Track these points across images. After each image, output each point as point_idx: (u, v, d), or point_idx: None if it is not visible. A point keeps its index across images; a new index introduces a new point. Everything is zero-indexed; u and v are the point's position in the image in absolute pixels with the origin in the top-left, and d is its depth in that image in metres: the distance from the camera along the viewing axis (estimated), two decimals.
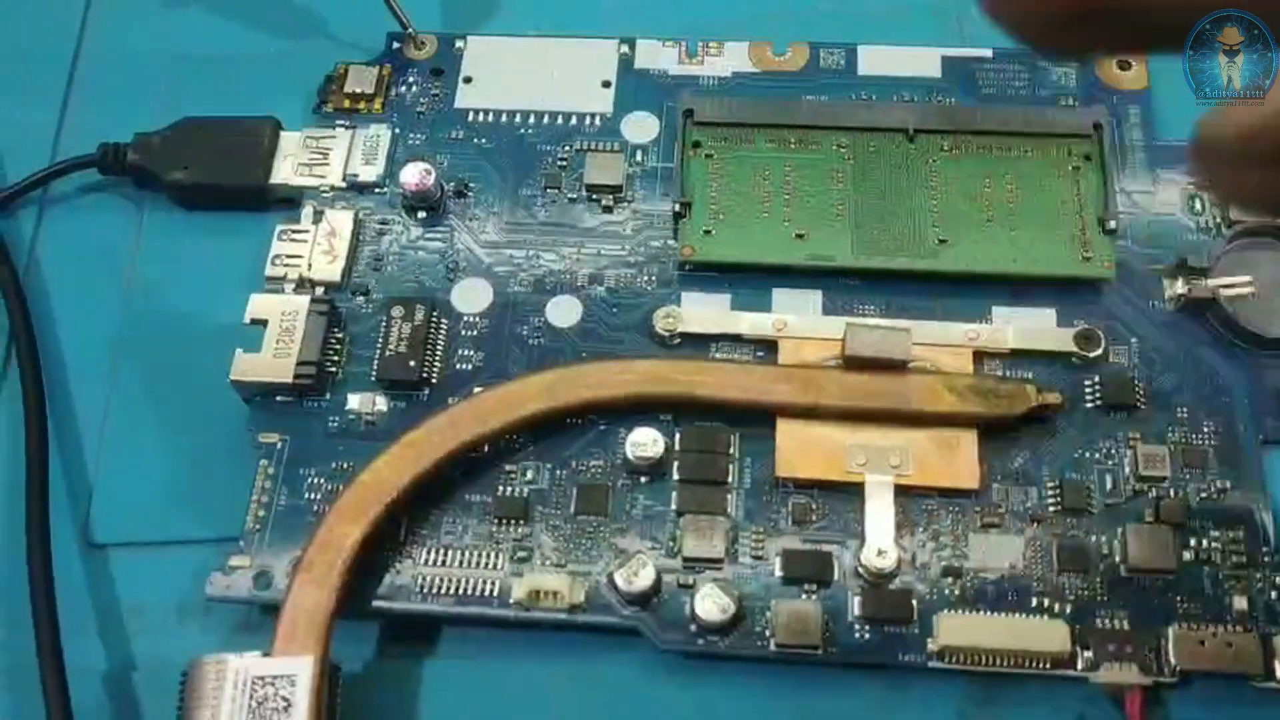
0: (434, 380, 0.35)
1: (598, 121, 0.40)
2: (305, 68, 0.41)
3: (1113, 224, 0.36)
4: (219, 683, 0.29)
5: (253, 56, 0.42)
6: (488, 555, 0.33)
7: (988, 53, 0.40)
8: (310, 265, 0.37)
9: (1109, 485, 0.33)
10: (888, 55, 0.40)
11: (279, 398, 0.35)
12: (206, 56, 0.42)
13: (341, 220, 0.38)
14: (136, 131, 0.39)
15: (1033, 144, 0.37)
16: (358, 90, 0.40)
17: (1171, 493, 0.33)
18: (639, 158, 0.39)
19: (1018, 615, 0.31)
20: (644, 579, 0.31)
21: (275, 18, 0.43)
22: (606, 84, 0.40)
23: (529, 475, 0.34)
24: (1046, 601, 0.32)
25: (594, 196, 0.38)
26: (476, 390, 0.34)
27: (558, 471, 0.34)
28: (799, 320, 0.35)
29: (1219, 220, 0.37)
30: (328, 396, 0.35)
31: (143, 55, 0.43)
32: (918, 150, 0.37)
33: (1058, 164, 0.37)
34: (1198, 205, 0.37)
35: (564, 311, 0.36)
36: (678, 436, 0.34)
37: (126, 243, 0.39)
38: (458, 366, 0.36)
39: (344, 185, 0.39)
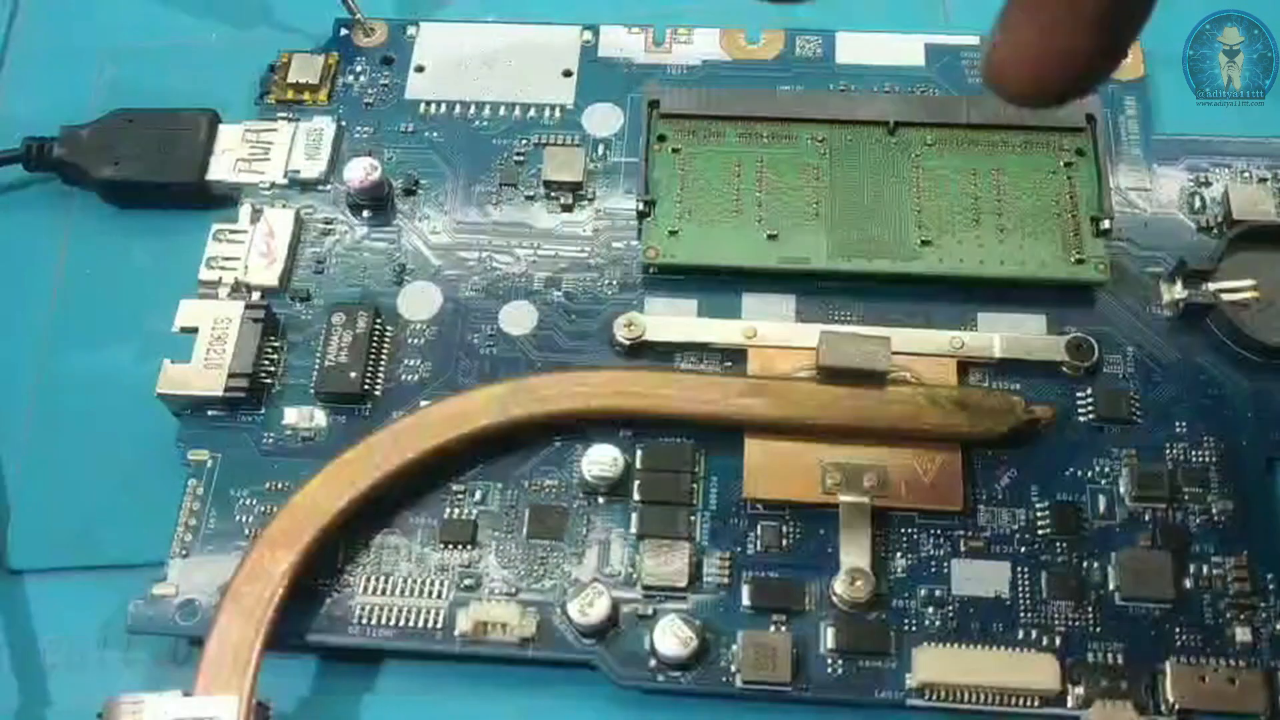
0: (377, 393, 0.33)
1: (558, 113, 0.38)
2: (248, 57, 0.39)
3: (1107, 224, 0.34)
4: None
5: (193, 45, 0.40)
6: (432, 583, 0.31)
7: (974, 40, 0.38)
8: (247, 268, 0.35)
9: (1102, 506, 0.31)
10: (868, 43, 0.38)
11: (210, 412, 0.33)
12: (145, 46, 0.40)
13: (281, 220, 0.35)
14: (63, 124, 0.37)
15: (1022, 137, 0.35)
16: (302, 80, 0.38)
17: (1170, 514, 0.31)
18: (601, 152, 0.37)
19: (1003, 648, 0.30)
20: (599, 610, 0.30)
21: (217, 4, 0.41)
22: (568, 73, 0.38)
23: (478, 496, 0.32)
24: (1035, 633, 0.30)
25: (552, 194, 0.36)
26: (423, 403, 0.33)
27: (509, 492, 0.32)
28: (770, 328, 0.33)
29: (1221, 219, 0.35)
30: (262, 411, 0.33)
31: (77, 45, 0.41)
32: (899, 144, 0.36)
33: (1048, 159, 0.35)
34: (1198, 203, 0.35)
35: (519, 318, 0.34)
36: (638, 454, 0.32)
37: (54, 244, 0.37)
38: (403, 378, 0.33)
39: (285, 182, 0.36)
